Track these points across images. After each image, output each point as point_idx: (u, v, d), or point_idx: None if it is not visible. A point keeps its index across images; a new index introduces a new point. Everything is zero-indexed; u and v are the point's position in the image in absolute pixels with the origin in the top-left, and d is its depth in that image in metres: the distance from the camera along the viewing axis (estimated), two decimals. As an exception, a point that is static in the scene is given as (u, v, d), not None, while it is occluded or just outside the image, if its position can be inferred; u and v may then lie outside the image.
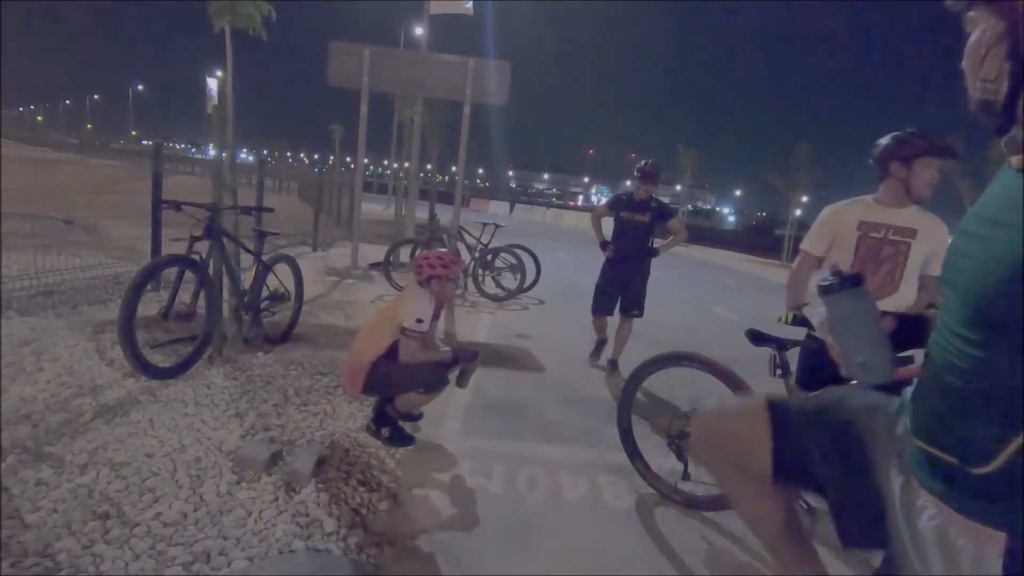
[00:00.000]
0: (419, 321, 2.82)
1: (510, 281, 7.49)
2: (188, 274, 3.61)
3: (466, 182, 14.45)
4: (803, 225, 25.06)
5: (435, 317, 3.01)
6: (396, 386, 2.90)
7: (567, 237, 19.88)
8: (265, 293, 4.35)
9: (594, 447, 3.24)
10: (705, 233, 34.36)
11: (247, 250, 4.30)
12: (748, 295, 11.70)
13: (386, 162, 37.89)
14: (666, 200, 5.04)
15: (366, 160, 9.15)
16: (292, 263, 4.66)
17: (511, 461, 2.97)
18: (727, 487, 1.57)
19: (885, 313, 1.17)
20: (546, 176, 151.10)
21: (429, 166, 21.80)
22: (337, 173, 19.17)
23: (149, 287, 4.19)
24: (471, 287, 7.52)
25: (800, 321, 2.44)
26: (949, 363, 0.88)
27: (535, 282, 7.68)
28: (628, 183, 4.76)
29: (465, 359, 3.04)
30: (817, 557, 1.48)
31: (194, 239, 3.64)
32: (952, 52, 1.00)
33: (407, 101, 14.33)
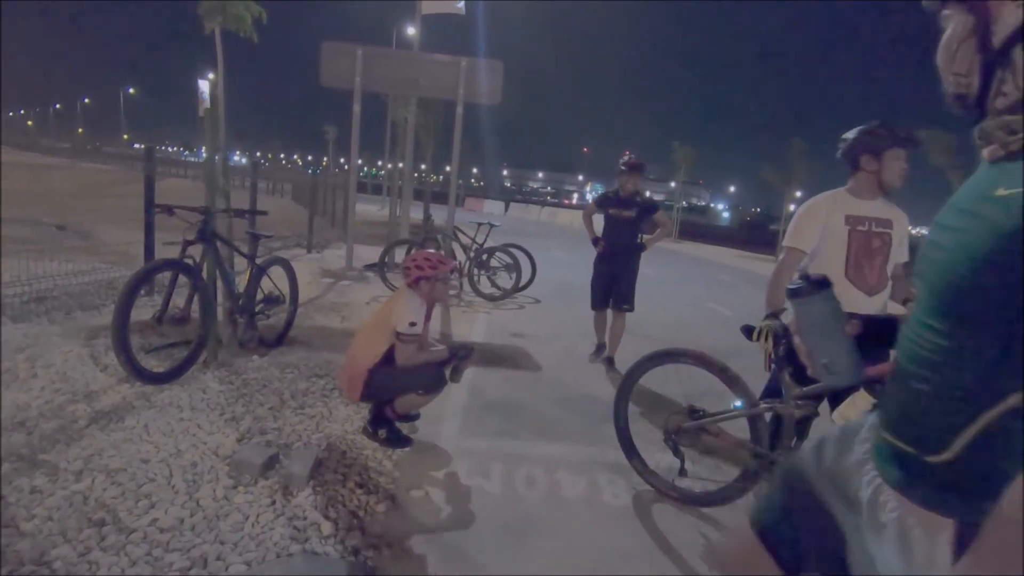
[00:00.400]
0: (412, 324, 2.82)
1: (505, 280, 7.49)
2: (182, 278, 3.60)
3: (460, 182, 14.42)
4: (798, 220, 25.05)
5: (427, 318, 3.01)
6: (395, 390, 2.90)
7: (562, 235, 19.88)
8: (260, 296, 4.34)
9: (591, 445, 3.24)
10: (700, 229, 34.39)
11: (241, 253, 4.28)
12: (742, 291, 11.72)
13: (380, 163, 37.78)
14: (660, 197, 5.11)
15: (360, 161, 9.14)
16: (287, 265, 4.65)
17: (509, 460, 2.97)
18: None
19: (852, 316, 1.19)
20: (541, 175, 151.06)
21: (423, 166, 21.75)
22: (331, 174, 19.14)
23: (143, 292, 4.18)
24: (466, 287, 7.52)
25: (777, 340, 2.30)
26: (915, 354, 0.89)
27: (530, 281, 7.68)
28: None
29: (460, 355, 3.04)
30: None
31: (187, 243, 3.63)
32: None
33: (401, 101, 14.29)
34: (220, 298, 3.97)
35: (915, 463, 0.89)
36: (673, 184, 35.27)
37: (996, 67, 0.83)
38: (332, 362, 3.99)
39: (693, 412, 2.64)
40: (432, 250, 4.75)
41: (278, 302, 4.51)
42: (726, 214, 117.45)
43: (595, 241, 4.94)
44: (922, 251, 0.93)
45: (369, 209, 21.24)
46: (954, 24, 0.89)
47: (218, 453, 2.65)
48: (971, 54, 0.86)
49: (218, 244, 3.83)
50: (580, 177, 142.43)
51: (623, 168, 4.74)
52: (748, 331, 2.41)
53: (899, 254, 2.53)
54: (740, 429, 2.57)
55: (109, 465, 2.44)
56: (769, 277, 2.60)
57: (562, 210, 34.98)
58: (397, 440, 2.95)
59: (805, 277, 1.17)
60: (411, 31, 13.50)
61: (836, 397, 2.12)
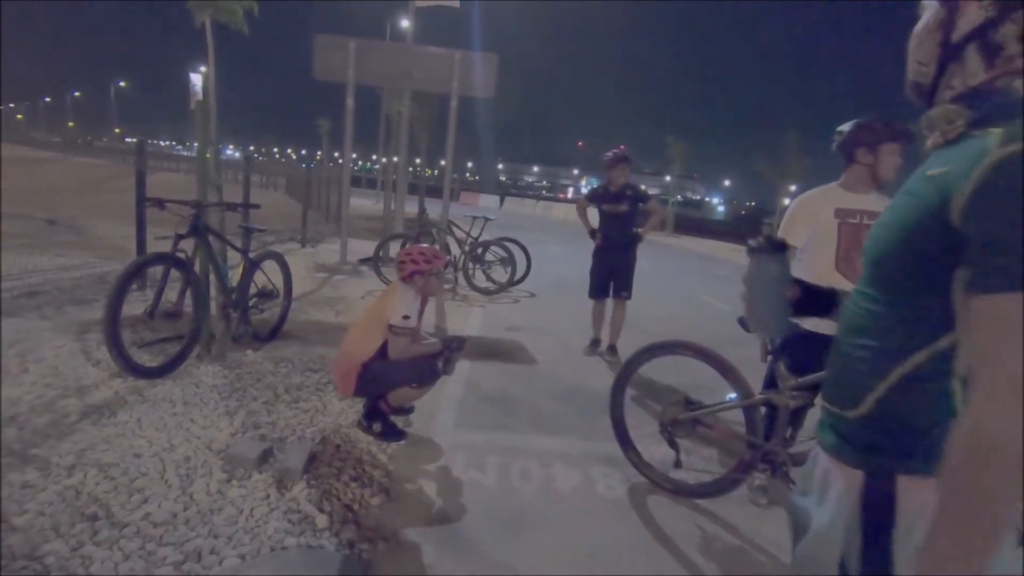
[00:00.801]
0: (406, 317, 2.81)
1: (500, 274, 7.47)
2: (174, 272, 3.57)
3: (455, 176, 14.40)
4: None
5: (421, 312, 3.00)
6: (389, 384, 2.89)
7: (557, 229, 19.86)
8: (253, 290, 4.32)
9: (586, 438, 3.25)
10: (695, 224, 34.39)
11: (234, 247, 4.26)
12: (738, 285, 11.71)
13: (375, 156, 37.61)
14: (656, 191, 5.14)
15: (354, 155, 9.10)
16: (280, 259, 4.63)
17: (504, 454, 2.97)
18: None
19: (797, 282, 1.36)
20: (536, 169, 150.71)
21: (418, 160, 21.67)
22: (325, 168, 19.04)
23: (135, 286, 4.15)
24: (461, 281, 7.51)
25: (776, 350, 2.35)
26: (849, 322, 0.97)
27: (525, 275, 7.68)
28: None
29: (452, 347, 3.03)
30: None
31: (179, 237, 3.60)
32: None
33: (395, 94, 14.23)
34: (213, 292, 3.95)
35: (839, 422, 0.96)
36: (668, 178, 35.25)
37: (950, 61, 0.89)
38: (326, 356, 3.97)
39: (689, 404, 2.65)
40: (426, 244, 4.74)
41: (272, 296, 4.48)
42: (721, 208, 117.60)
43: (592, 233, 4.97)
44: (871, 230, 1.00)
45: (363, 203, 21.18)
46: (927, 14, 0.93)
47: (212, 447, 2.64)
48: (934, 45, 0.91)
49: (210, 238, 3.80)
50: (575, 171, 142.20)
51: (607, 162, 4.77)
52: (744, 323, 2.41)
53: None
54: (736, 421, 2.58)
55: (101, 460, 2.42)
56: None
57: (557, 204, 34.92)
58: (391, 434, 2.95)
59: (768, 238, 1.37)
60: (405, 24, 13.43)
61: None
